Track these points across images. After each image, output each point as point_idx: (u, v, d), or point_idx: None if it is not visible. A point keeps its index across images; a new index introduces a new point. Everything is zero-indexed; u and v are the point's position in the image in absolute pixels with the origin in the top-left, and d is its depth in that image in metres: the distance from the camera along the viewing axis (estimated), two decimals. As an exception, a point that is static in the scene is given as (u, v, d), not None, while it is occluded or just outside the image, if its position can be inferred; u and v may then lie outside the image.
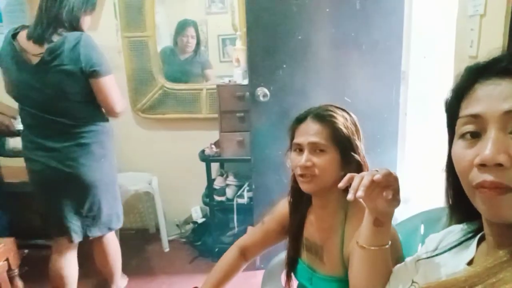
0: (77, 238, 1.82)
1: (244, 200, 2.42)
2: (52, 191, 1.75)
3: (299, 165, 0.98)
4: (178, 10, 2.78)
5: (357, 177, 0.71)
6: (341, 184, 0.73)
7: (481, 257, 0.60)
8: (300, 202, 1.10)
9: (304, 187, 1.00)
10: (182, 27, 2.77)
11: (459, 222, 0.69)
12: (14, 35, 1.67)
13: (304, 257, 1.11)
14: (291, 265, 1.14)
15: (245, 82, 2.27)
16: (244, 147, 2.35)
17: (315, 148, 0.97)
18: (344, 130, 0.98)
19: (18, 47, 1.64)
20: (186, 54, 2.81)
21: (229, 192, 2.47)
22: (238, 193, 2.46)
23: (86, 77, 1.64)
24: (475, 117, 0.55)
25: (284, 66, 2.03)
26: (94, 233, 1.85)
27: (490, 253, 0.59)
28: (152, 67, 2.70)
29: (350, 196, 0.69)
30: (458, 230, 0.70)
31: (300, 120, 1.03)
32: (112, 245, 1.99)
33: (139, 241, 2.84)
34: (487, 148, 0.52)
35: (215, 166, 2.70)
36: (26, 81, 1.66)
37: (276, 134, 2.15)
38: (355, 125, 1.02)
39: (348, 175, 0.73)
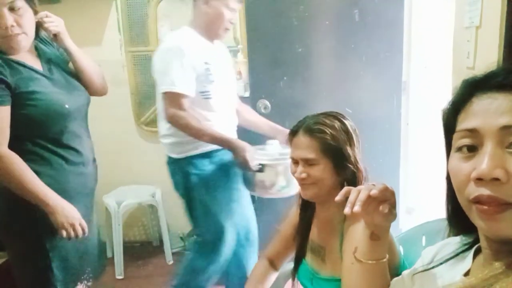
0: None
1: (247, 212, 2.41)
2: None
3: (295, 177, 1.06)
4: (182, 23, 2.81)
5: (353, 191, 0.71)
6: (337, 198, 0.74)
7: (478, 269, 0.60)
8: (308, 204, 1.15)
9: (304, 194, 1.07)
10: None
11: (456, 234, 0.69)
12: None
13: (308, 258, 1.15)
14: (296, 264, 1.18)
15: (247, 94, 2.29)
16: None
17: (307, 162, 1.04)
18: (333, 142, 1.02)
19: None
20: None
21: (232, 204, 2.46)
22: (241, 205, 2.45)
23: None
24: (472, 132, 0.55)
25: (285, 78, 2.05)
26: None
27: (486, 265, 0.58)
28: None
29: (347, 210, 0.69)
30: (454, 242, 0.70)
31: (293, 133, 1.08)
32: None
33: (142, 254, 2.84)
34: (483, 163, 0.52)
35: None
36: None
37: (278, 146, 2.16)
38: (347, 133, 1.04)
39: (345, 189, 0.74)
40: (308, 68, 2.06)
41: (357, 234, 0.80)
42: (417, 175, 2.24)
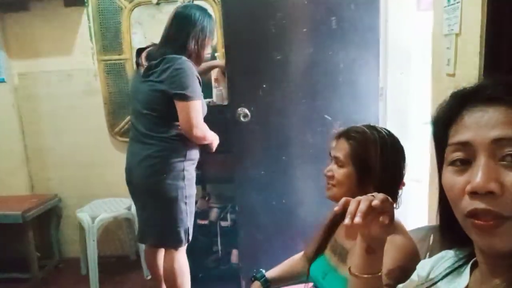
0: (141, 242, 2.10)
1: (227, 223, 2.37)
2: (131, 192, 1.95)
3: (324, 173, 1.12)
4: (156, 31, 2.75)
5: (353, 201, 0.69)
6: (336, 209, 0.72)
7: (476, 285, 0.59)
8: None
9: (326, 192, 1.12)
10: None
11: (450, 247, 0.68)
12: (140, 50, 1.90)
13: (327, 254, 1.16)
14: (314, 257, 1.19)
15: (226, 102, 2.25)
16: (226, 168, 2.31)
17: (337, 162, 1.09)
18: (362, 152, 1.03)
19: (139, 60, 1.87)
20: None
21: (212, 215, 2.42)
22: (221, 216, 2.41)
23: (169, 97, 1.71)
24: (464, 145, 0.55)
25: (264, 86, 2.03)
26: (148, 242, 1.97)
27: (484, 281, 0.58)
28: (129, 89, 2.66)
29: (347, 221, 0.67)
30: (449, 256, 0.68)
31: (339, 135, 1.12)
32: (171, 263, 1.91)
33: (119, 269, 2.74)
34: (477, 176, 0.51)
35: (197, 189, 2.65)
36: (134, 89, 1.90)
37: (258, 154, 2.13)
38: (385, 152, 1.03)
39: (344, 199, 0.72)
40: (287, 75, 2.04)
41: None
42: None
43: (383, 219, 0.66)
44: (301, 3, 1.99)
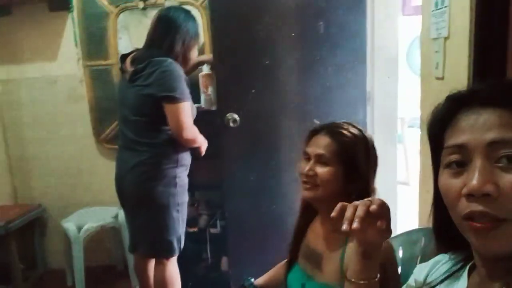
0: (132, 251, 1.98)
1: (216, 230, 2.35)
2: (121, 200, 1.90)
3: (303, 173, 1.04)
4: (142, 36, 2.72)
5: (350, 207, 0.68)
6: (333, 214, 0.71)
7: (475, 289, 0.59)
8: (309, 209, 1.13)
9: (304, 194, 1.05)
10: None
11: (446, 251, 0.68)
12: (124, 56, 1.86)
13: (301, 262, 1.13)
14: (288, 268, 1.16)
15: (214, 108, 2.23)
16: (215, 175, 2.29)
17: (320, 160, 1.02)
18: (351, 149, 1.01)
19: (123, 66, 1.84)
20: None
21: (201, 222, 2.39)
22: (211, 223, 2.39)
23: (158, 100, 1.68)
24: (460, 147, 0.55)
25: (253, 91, 2.02)
26: (140, 251, 1.92)
27: (483, 285, 0.57)
28: (116, 95, 2.62)
29: (345, 227, 0.66)
30: (446, 260, 0.68)
31: (315, 131, 1.06)
32: (162, 273, 1.88)
33: (106, 279, 2.68)
34: (474, 178, 0.51)
35: (185, 195, 2.62)
36: (121, 95, 1.87)
37: (247, 160, 2.12)
38: (367, 149, 1.04)
39: (340, 204, 0.71)
40: (276, 80, 2.04)
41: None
42: (381, 184, 2.27)
43: (381, 224, 0.66)
44: (289, 8, 2.00)
